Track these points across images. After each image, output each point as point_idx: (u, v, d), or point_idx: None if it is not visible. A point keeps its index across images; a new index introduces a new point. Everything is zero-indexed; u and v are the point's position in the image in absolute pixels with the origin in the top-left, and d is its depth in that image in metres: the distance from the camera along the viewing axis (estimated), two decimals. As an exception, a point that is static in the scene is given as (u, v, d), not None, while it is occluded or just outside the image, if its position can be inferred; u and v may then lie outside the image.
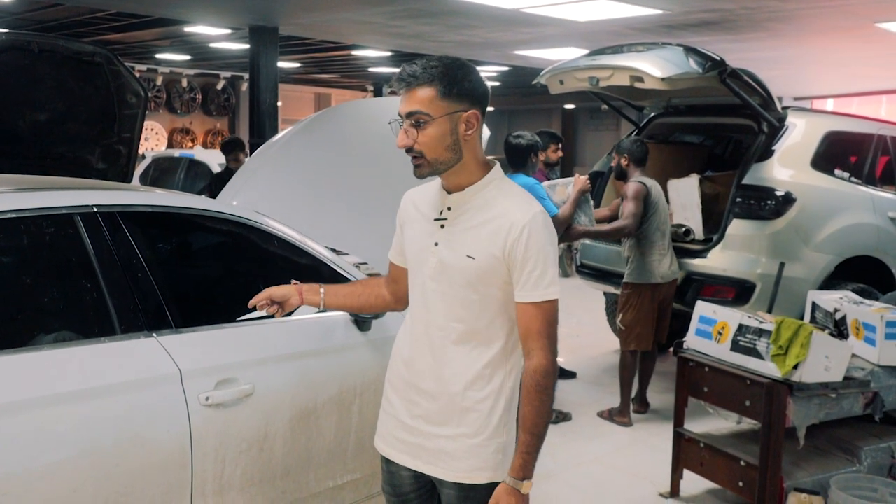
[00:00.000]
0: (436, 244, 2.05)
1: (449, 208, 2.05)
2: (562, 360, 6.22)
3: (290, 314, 2.56)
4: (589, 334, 5.89)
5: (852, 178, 5.56)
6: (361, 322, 2.87)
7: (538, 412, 1.97)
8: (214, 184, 7.41)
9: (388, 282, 2.35)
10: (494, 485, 2.01)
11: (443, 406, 2.06)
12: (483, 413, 2.03)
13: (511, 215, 1.98)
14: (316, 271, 2.92)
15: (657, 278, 5.06)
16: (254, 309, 2.40)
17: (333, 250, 3.19)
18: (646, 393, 5.40)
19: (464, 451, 2.04)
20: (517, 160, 5.00)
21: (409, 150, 1.98)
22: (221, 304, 2.92)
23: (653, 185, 5.12)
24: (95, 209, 2.46)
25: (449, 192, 2.06)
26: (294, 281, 2.40)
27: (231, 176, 6.52)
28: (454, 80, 1.95)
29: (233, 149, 7.57)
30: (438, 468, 2.08)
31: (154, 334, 2.41)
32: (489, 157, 2.12)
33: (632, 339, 5.16)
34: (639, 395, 5.41)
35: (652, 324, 5.13)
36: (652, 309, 5.11)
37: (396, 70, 2.12)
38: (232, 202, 4.13)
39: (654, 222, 5.05)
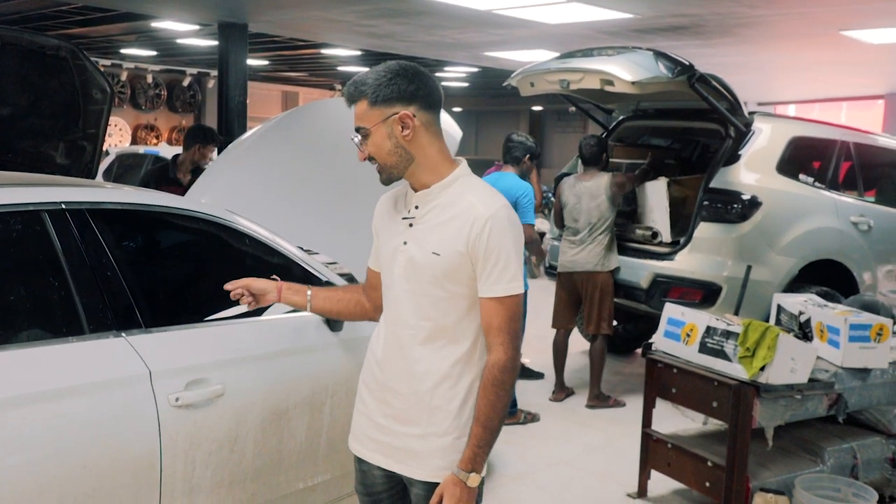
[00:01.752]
0: (404, 243, 2.06)
1: (416, 207, 2.07)
2: (528, 361, 6.24)
3: (263, 310, 2.54)
4: (557, 335, 6.00)
5: (816, 183, 5.64)
6: (333, 322, 2.85)
7: (493, 406, 1.98)
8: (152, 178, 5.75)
9: (367, 289, 2.34)
10: None
11: (412, 405, 2.06)
12: (451, 412, 2.04)
13: (475, 210, 1.99)
14: (287, 270, 2.89)
15: (560, 265, 5.59)
16: (232, 300, 2.37)
17: (304, 249, 3.17)
18: (563, 378, 5.72)
19: (433, 450, 2.05)
20: (513, 155, 5.12)
21: (370, 160, 2.06)
22: (192, 304, 2.89)
23: (568, 185, 5.54)
24: (64, 206, 2.41)
25: (416, 191, 2.08)
26: (275, 277, 2.38)
27: (166, 169, 5.70)
28: (379, 87, 1.98)
29: (199, 139, 5.61)
30: (408, 467, 2.09)
31: (123, 334, 2.37)
32: (456, 157, 2.13)
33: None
34: (558, 381, 5.71)
35: (559, 307, 5.64)
36: (560, 292, 5.62)
37: (366, 69, 2.14)
38: (202, 200, 4.08)
39: (562, 217, 5.61)
